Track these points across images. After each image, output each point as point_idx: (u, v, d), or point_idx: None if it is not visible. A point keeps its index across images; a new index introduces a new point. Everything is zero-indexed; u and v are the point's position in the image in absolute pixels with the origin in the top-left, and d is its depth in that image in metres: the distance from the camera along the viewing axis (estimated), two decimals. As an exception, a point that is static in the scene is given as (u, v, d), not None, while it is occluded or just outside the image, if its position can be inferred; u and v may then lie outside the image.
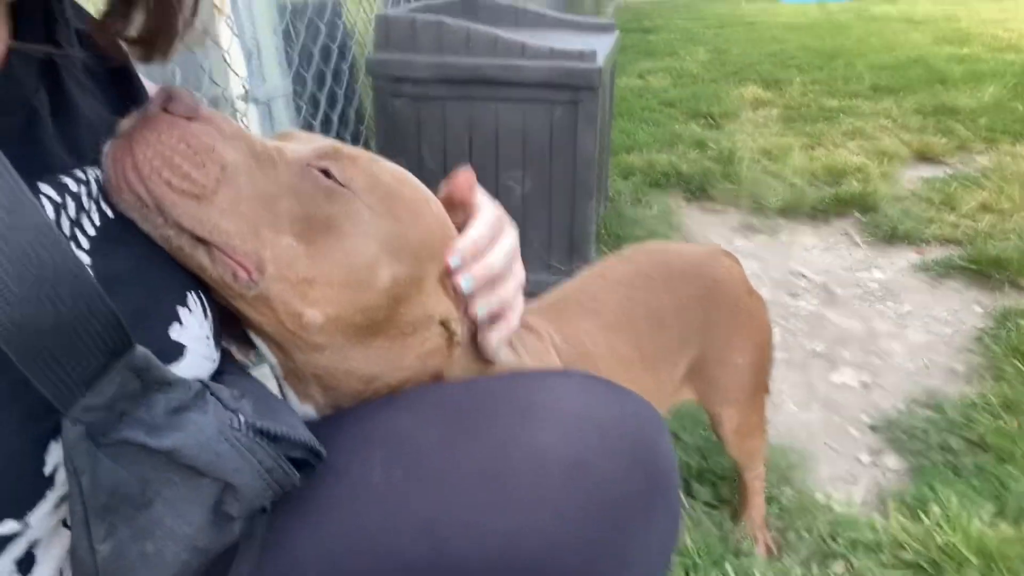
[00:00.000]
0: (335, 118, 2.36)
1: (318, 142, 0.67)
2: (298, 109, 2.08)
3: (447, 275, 0.69)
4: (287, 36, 2.05)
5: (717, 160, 3.66)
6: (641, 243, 1.40)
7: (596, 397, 0.62)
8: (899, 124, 4.20)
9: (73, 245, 0.50)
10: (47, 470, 0.46)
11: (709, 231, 3.08)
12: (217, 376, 0.60)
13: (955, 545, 1.35)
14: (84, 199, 0.53)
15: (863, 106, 4.59)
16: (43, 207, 0.49)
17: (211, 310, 0.60)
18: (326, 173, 0.62)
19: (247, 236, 0.57)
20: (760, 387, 1.33)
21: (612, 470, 0.57)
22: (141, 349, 0.46)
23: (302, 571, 0.56)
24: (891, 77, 5.21)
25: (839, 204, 3.14)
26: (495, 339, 0.70)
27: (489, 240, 0.70)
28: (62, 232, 0.49)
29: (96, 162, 0.57)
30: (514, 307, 0.72)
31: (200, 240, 0.57)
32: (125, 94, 0.65)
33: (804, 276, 2.69)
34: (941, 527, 1.40)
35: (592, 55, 2.12)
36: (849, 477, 1.70)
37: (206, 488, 0.50)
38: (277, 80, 1.80)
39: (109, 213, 0.56)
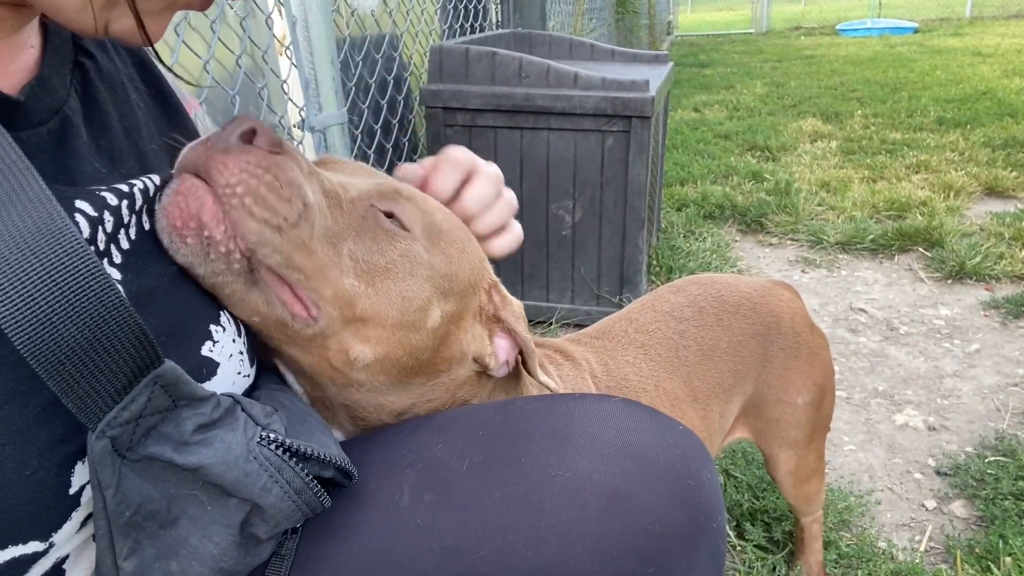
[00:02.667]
0: (389, 147, 2.39)
1: (374, 176, 0.68)
2: (353, 138, 2.11)
3: (483, 309, 0.72)
4: (344, 68, 2.10)
5: (773, 192, 3.59)
6: (694, 275, 1.36)
7: (636, 423, 0.59)
8: (966, 157, 4.06)
9: (106, 261, 0.50)
10: (72, 490, 0.45)
11: (764, 264, 3.01)
12: (252, 391, 0.60)
13: (1031, 601, 1.25)
14: (124, 212, 0.53)
15: (928, 139, 4.46)
16: (77, 223, 0.49)
17: (245, 327, 0.60)
18: (388, 214, 0.63)
19: (314, 273, 0.57)
20: (820, 429, 1.26)
21: (653, 502, 0.54)
22: (170, 364, 0.46)
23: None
24: (958, 110, 5.06)
25: (902, 238, 3.04)
26: (499, 249, 0.74)
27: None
28: (96, 247, 0.50)
29: (139, 171, 0.57)
30: (511, 226, 0.76)
31: (255, 283, 0.56)
32: (160, 98, 0.66)
33: (865, 312, 2.59)
34: (1015, 581, 1.31)
35: (644, 84, 2.11)
36: (913, 524, 1.61)
37: (233, 508, 0.49)
38: (333, 108, 1.83)
39: (147, 226, 0.56)
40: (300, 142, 1.79)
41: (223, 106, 1.53)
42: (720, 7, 18.97)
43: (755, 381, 1.16)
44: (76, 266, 0.42)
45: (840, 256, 3.05)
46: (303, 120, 1.79)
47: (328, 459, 0.54)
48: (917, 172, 3.87)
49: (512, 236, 0.77)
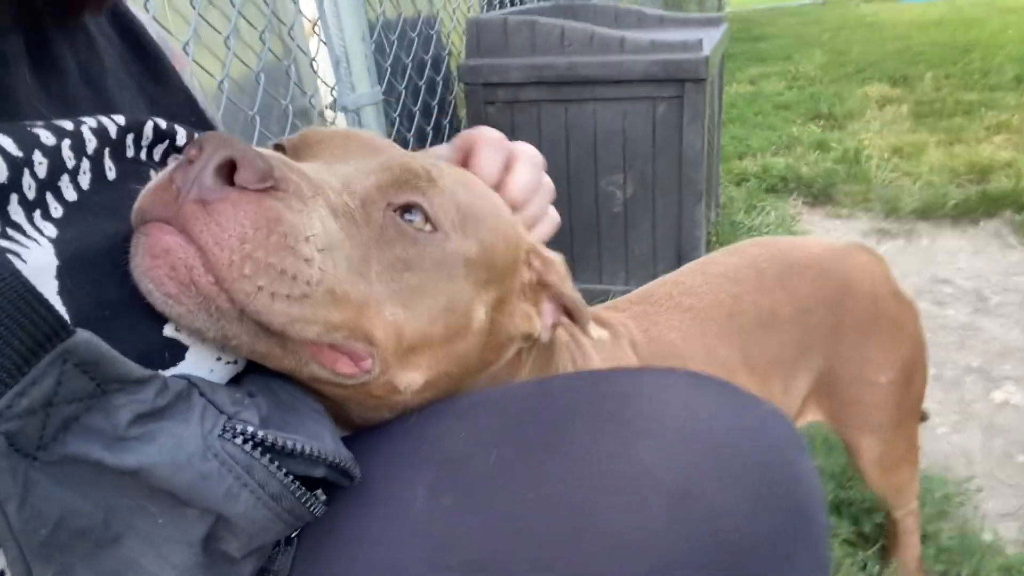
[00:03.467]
0: (429, 129, 2.30)
1: (373, 151, 0.56)
2: (391, 121, 2.02)
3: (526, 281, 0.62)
4: (380, 50, 2.01)
5: (841, 161, 3.37)
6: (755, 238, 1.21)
7: (708, 402, 0.46)
8: (1052, 114, 3.75)
9: (38, 213, 0.41)
10: None
11: (835, 237, 2.81)
12: (237, 378, 0.49)
13: None
14: (67, 154, 0.43)
15: (1007, 98, 4.14)
16: None
17: None
18: (408, 207, 0.51)
19: (357, 321, 0.46)
20: (909, 411, 1.10)
21: (732, 503, 0.42)
22: (84, 335, 0.35)
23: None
24: (1038, 67, 4.70)
25: (987, 203, 2.79)
26: (538, 238, 0.65)
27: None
28: (22, 194, 0.40)
29: (93, 111, 0.48)
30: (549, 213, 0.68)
31: (282, 342, 0.45)
32: (137, 48, 0.57)
33: (950, 283, 2.38)
34: None
35: (697, 44, 1.95)
36: (1020, 513, 1.43)
37: (192, 520, 0.39)
38: (366, 88, 1.74)
39: (111, 175, 0.46)
40: (332, 123, 1.70)
41: (249, 86, 1.45)
42: (772, -19, 18.37)
43: (826, 355, 1.01)
44: None
45: (918, 225, 2.82)
46: (335, 100, 1.70)
47: (317, 455, 0.44)
48: (998, 133, 3.58)
49: (551, 223, 0.67)
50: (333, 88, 1.67)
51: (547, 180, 0.67)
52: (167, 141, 0.51)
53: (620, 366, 0.72)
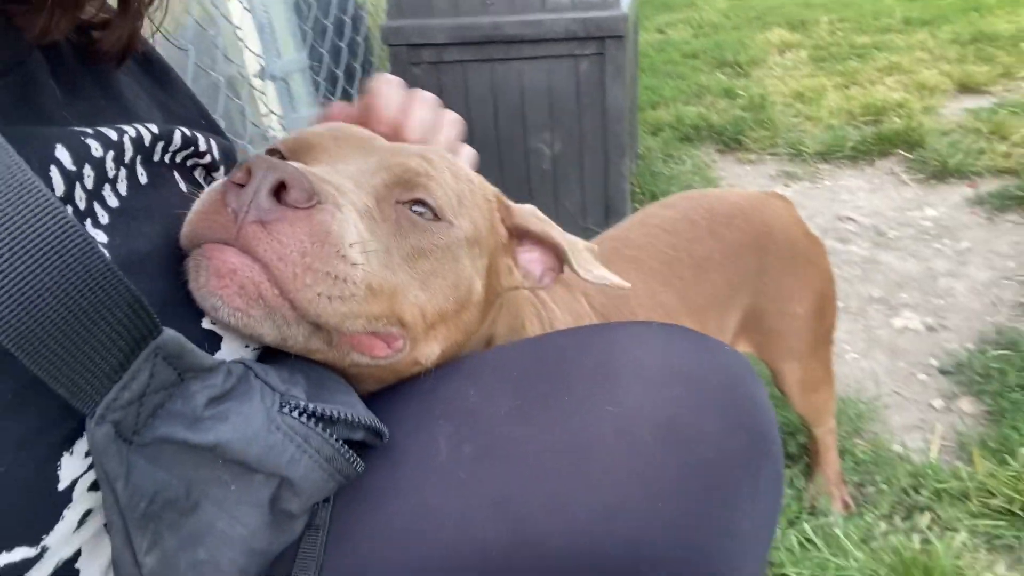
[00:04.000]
0: (354, 92, 2.28)
1: (367, 150, 0.60)
2: (316, 85, 2.01)
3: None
4: (299, 12, 1.98)
5: (748, 108, 3.52)
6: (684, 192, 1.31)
7: (682, 348, 0.54)
8: (937, 56, 4.01)
9: (89, 223, 0.44)
10: (61, 485, 0.39)
11: (746, 181, 2.97)
12: (261, 357, 0.54)
13: (1050, 489, 1.26)
14: (110, 165, 0.46)
15: (896, 40, 4.39)
16: (50, 178, 0.42)
17: None
18: (414, 201, 0.57)
19: (392, 308, 0.52)
20: (823, 338, 1.24)
21: (710, 430, 0.50)
22: (171, 332, 0.40)
23: (370, 563, 0.50)
24: (923, 9, 4.98)
25: (882, 143, 3.00)
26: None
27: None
28: (75, 206, 0.43)
29: (115, 121, 0.50)
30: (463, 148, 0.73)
31: (328, 337, 0.50)
32: (143, 57, 0.59)
33: (852, 220, 2.57)
34: (1033, 471, 1.31)
35: (616, 2, 2.01)
36: (923, 425, 1.61)
37: (259, 484, 0.44)
38: (292, 54, 1.72)
39: (143, 180, 0.49)
40: (263, 92, 1.68)
41: (176, 59, 1.42)
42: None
43: (752, 293, 1.13)
44: (49, 228, 0.35)
45: (821, 167, 3.01)
46: (262, 68, 1.68)
47: (356, 421, 0.49)
48: (889, 75, 3.81)
49: (469, 157, 0.73)
50: (260, 56, 1.65)
51: (452, 116, 0.73)
52: (191, 148, 0.54)
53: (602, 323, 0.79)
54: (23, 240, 0.35)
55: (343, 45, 2.23)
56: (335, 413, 0.47)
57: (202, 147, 0.55)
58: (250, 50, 1.67)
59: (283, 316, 0.46)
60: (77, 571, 0.43)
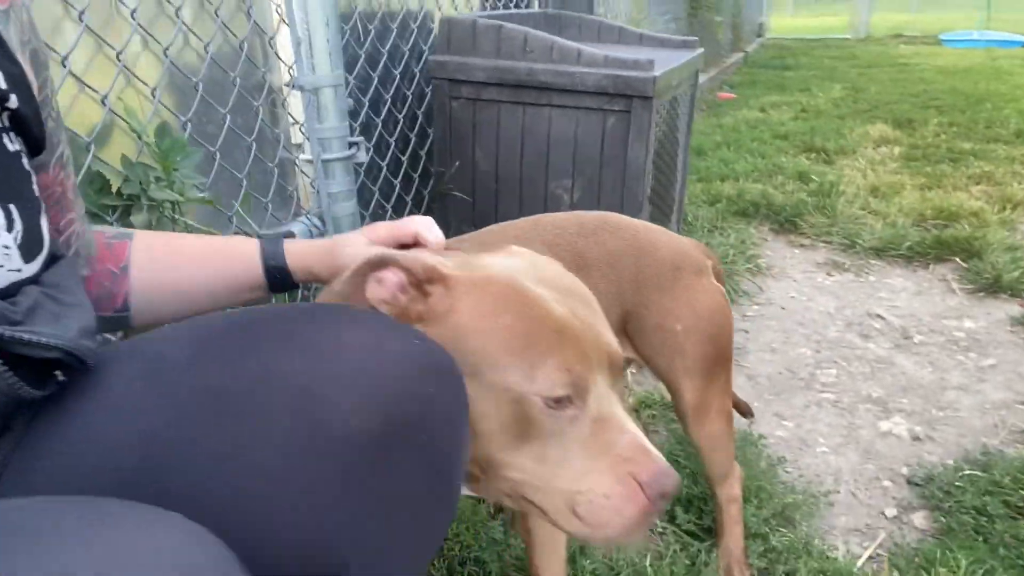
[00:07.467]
0: (401, 117, 2.43)
1: None
2: (360, 104, 2.15)
3: None
4: (357, 37, 2.15)
5: (815, 193, 3.45)
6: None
7: (363, 333, 0.59)
8: (1038, 171, 3.79)
9: None
10: None
11: (789, 264, 2.90)
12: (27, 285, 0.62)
13: (952, 614, 1.17)
14: None
15: (999, 151, 4.18)
16: None
17: (22, 224, 0.62)
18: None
19: None
20: (715, 367, 1.22)
21: (344, 405, 0.54)
22: None
23: (39, 469, 0.57)
24: (1043, 123, 4.73)
25: (940, 247, 2.87)
26: None
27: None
28: None
29: None
30: None
31: None
32: None
33: (881, 318, 2.47)
34: (946, 594, 1.23)
35: (649, 64, 2.07)
36: (866, 530, 1.52)
37: None
38: (327, 70, 1.87)
39: None
40: (285, 101, 1.84)
41: (208, 67, 1.58)
42: (822, 12, 18.28)
43: (630, 300, 1.17)
44: None
45: (873, 262, 2.91)
46: (292, 79, 1.84)
47: (48, 344, 0.56)
48: (977, 183, 3.64)
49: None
50: (291, 67, 1.81)
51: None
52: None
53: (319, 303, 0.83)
54: None
55: (396, 73, 2.38)
56: (26, 337, 0.55)
57: (12, 104, 0.64)
58: (282, 60, 1.83)
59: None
60: None
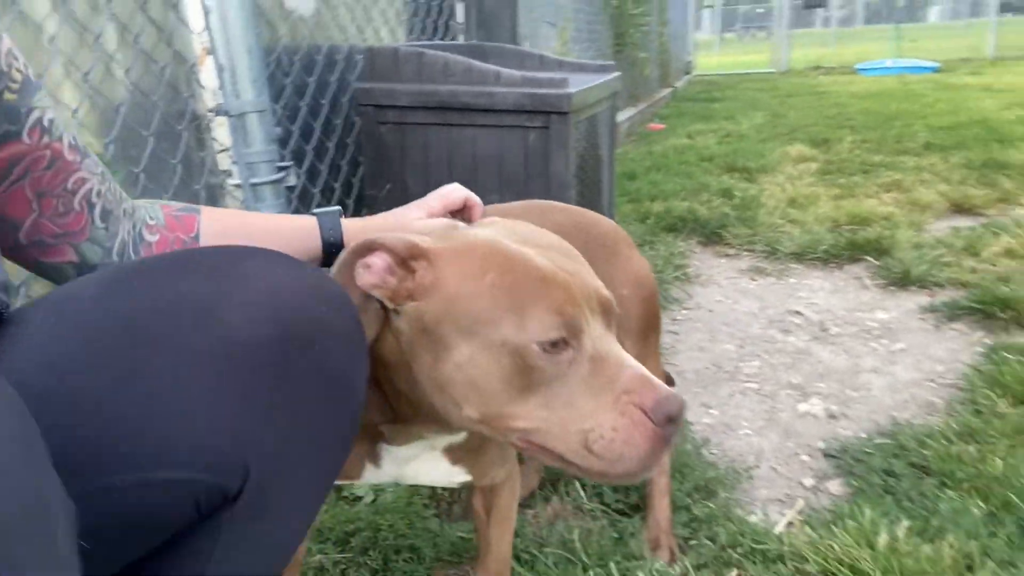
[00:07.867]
0: (330, 145, 2.50)
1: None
2: (288, 133, 2.21)
3: None
4: (283, 69, 2.22)
5: (738, 207, 3.62)
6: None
7: (263, 264, 0.65)
8: (942, 178, 4.04)
9: None
10: None
11: (716, 272, 3.03)
12: None
13: (858, 557, 1.25)
14: None
15: (908, 161, 4.46)
16: None
17: None
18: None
19: None
20: (651, 326, 1.33)
21: (242, 322, 0.60)
22: None
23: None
24: (947, 136, 5.04)
25: (853, 249, 3.04)
26: None
27: None
28: None
29: None
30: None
31: None
32: None
33: (800, 314, 2.60)
34: (856, 543, 1.31)
35: (563, 82, 2.19)
36: (786, 499, 1.61)
37: None
38: (251, 96, 1.94)
39: None
40: (209, 126, 1.90)
41: (148, 88, 1.63)
42: (746, 50, 19.17)
43: None
44: None
45: (792, 266, 3.06)
46: (218, 105, 1.90)
47: None
48: (888, 191, 3.86)
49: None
50: (215, 94, 1.87)
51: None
52: None
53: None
54: None
55: (324, 102, 2.46)
56: None
57: None
58: (200, 86, 1.89)
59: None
60: None
